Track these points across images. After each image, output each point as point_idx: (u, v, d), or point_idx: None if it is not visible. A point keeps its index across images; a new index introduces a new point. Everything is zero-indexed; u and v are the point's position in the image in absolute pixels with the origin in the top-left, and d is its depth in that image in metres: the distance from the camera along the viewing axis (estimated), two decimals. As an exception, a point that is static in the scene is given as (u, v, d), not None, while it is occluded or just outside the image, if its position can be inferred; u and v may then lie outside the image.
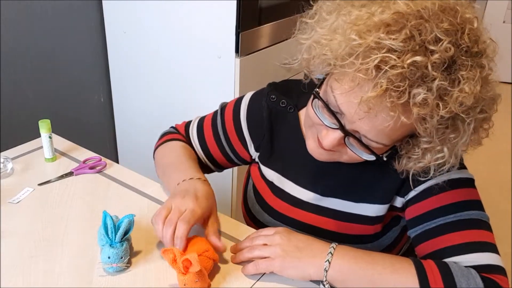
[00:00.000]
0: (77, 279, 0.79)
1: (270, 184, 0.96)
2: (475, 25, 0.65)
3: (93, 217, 0.95)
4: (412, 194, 0.82)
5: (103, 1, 1.84)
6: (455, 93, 0.62)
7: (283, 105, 0.94)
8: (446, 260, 0.75)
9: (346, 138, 0.72)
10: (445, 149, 0.70)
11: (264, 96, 0.96)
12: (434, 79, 0.61)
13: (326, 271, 0.75)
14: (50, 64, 1.80)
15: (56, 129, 1.21)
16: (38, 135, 1.13)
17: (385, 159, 0.75)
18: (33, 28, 1.70)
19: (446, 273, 0.71)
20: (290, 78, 0.96)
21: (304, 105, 0.92)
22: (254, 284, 0.80)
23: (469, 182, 0.81)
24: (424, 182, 0.79)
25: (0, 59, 1.62)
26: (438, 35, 0.61)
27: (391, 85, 0.61)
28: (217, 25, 1.55)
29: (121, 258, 0.80)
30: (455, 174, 0.79)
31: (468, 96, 0.62)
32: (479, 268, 0.73)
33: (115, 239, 0.80)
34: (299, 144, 0.91)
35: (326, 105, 0.71)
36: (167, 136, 1.05)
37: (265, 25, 1.63)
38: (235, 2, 1.48)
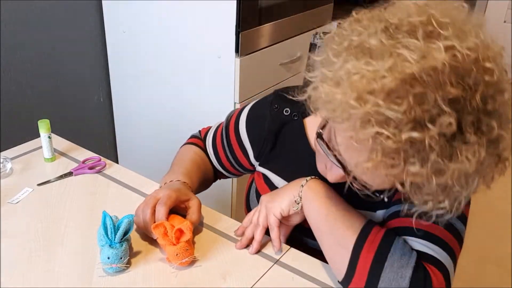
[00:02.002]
0: (76, 279, 0.79)
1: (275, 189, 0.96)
2: (495, 77, 0.58)
3: (93, 217, 0.95)
4: None
5: (102, 1, 1.83)
6: (453, 166, 0.58)
7: (287, 113, 0.94)
8: (402, 237, 0.75)
9: (348, 176, 0.71)
10: (447, 201, 0.66)
11: (267, 105, 0.96)
12: (430, 154, 0.57)
13: (302, 186, 0.83)
14: (49, 64, 1.80)
15: (55, 129, 1.21)
16: (38, 135, 1.13)
17: (386, 200, 0.73)
18: (33, 28, 1.69)
19: (387, 240, 0.73)
20: (295, 85, 0.95)
21: (310, 112, 0.91)
22: (254, 284, 0.80)
23: None
24: None
25: (0, 59, 1.62)
26: (443, 106, 0.56)
27: (386, 157, 0.59)
28: (217, 25, 1.55)
29: (121, 258, 0.80)
30: None
31: (469, 167, 0.59)
32: (423, 255, 0.72)
33: (114, 240, 0.79)
34: (305, 151, 0.92)
35: (328, 147, 0.70)
36: (190, 139, 1.12)
37: (265, 25, 1.63)
38: (235, 2, 1.48)
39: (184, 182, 0.94)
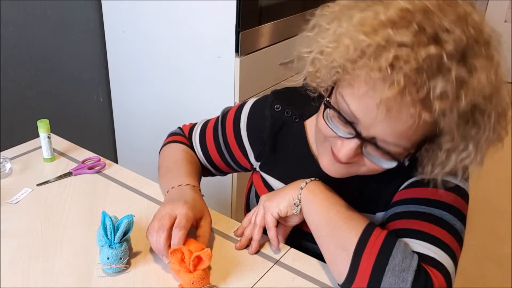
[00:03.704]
0: (76, 280, 0.79)
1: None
2: (476, 17, 0.64)
3: (92, 217, 0.95)
4: (404, 185, 0.82)
5: (102, 1, 1.83)
6: (473, 81, 0.61)
7: (288, 115, 0.93)
8: (403, 239, 0.75)
9: (363, 147, 0.70)
10: (470, 146, 0.67)
11: (267, 105, 0.94)
12: (451, 69, 0.59)
13: (302, 188, 0.82)
14: (49, 63, 1.80)
15: (54, 129, 1.20)
16: (37, 135, 1.13)
17: (406, 163, 0.72)
18: (32, 28, 1.69)
19: (389, 243, 0.72)
20: (293, 86, 0.94)
21: (310, 114, 0.91)
22: (254, 284, 0.80)
23: (461, 192, 0.79)
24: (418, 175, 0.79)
25: (0, 59, 1.62)
26: (447, 25, 0.60)
27: (409, 81, 0.59)
28: (217, 25, 1.55)
29: (120, 259, 0.80)
30: (450, 178, 0.78)
31: (486, 85, 0.61)
32: (423, 257, 0.72)
33: (114, 240, 0.79)
34: (305, 154, 0.91)
35: (339, 114, 0.69)
36: (172, 137, 1.07)
37: (265, 25, 1.63)
38: (235, 1, 1.48)
39: (194, 186, 0.91)
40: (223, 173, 1.08)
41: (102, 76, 1.99)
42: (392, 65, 0.59)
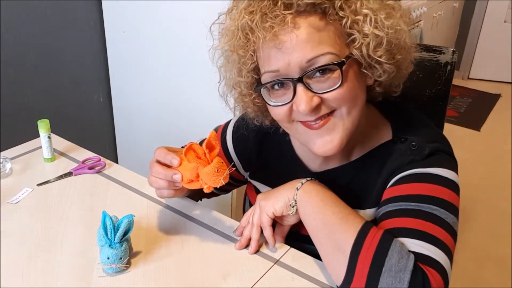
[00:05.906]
0: (76, 280, 0.79)
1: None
2: None
3: (92, 217, 0.95)
4: (391, 181, 0.82)
5: (102, 1, 1.83)
6: None
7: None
8: (398, 238, 0.75)
9: (308, 86, 0.74)
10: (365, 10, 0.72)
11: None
12: None
13: (297, 189, 0.82)
14: (49, 63, 1.80)
15: (55, 129, 1.21)
16: (37, 135, 1.13)
17: (344, 61, 0.73)
18: (32, 27, 1.69)
19: (385, 244, 0.71)
20: None
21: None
22: (254, 284, 0.80)
23: (450, 184, 0.79)
24: (404, 170, 0.80)
25: (0, 59, 1.62)
26: None
27: (271, 10, 0.71)
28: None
29: (121, 258, 0.80)
30: (439, 171, 0.78)
31: None
32: (419, 256, 0.72)
33: (114, 240, 0.79)
34: (291, 157, 0.92)
35: (270, 83, 0.76)
36: None
37: (265, 25, 1.63)
38: (235, 1, 1.48)
39: None
40: (224, 192, 1.11)
41: (102, 76, 2.00)
42: (252, 19, 0.72)
